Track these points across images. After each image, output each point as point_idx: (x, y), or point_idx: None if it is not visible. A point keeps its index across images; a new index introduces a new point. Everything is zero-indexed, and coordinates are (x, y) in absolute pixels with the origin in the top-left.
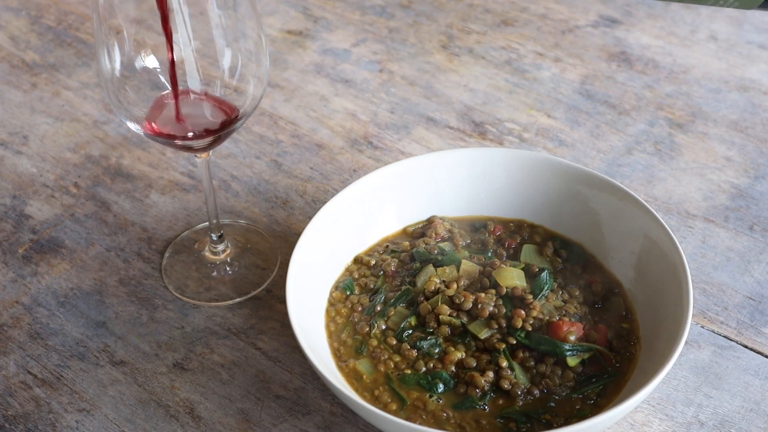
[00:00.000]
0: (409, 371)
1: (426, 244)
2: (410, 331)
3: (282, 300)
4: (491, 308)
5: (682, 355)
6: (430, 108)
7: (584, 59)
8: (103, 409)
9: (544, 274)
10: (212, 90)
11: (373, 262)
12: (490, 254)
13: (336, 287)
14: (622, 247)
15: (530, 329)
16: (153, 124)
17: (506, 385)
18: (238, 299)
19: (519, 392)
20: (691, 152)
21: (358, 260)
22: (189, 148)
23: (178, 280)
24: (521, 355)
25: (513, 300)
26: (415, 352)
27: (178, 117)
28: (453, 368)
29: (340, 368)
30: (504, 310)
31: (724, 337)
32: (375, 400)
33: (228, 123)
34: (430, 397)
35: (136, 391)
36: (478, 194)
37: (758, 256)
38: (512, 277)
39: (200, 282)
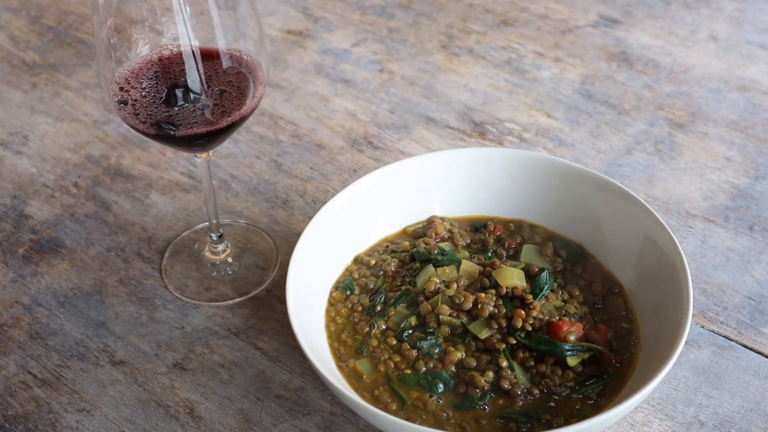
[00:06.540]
0: (409, 371)
1: (426, 244)
2: (410, 331)
3: (282, 300)
4: (491, 308)
5: (682, 355)
6: (430, 108)
7: (584, 59)
8: (103, 409)
9: (544, 274)
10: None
11: (373, 262)
12: (490, 254)
13: (336, 287)
14: (622, 247)
15: (530, 329)
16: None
17: (506, 385)
18: (238, 299)
19: (519, 392)
20: (691, 152)
21: (358, 260)
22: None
23: (178, 280)
24: (521, 355)
25: (513, 300)
26: (415, 352)
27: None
28: (453, 368)
29: (340, 368)
30: (504, 310)
31: (724, 337)
32: (375, 400)
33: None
34: (430, 397)
35: (136, 391)
36: (478, 194)
37: (758, 256)
38: (512, 277)
39: (200, 282)
